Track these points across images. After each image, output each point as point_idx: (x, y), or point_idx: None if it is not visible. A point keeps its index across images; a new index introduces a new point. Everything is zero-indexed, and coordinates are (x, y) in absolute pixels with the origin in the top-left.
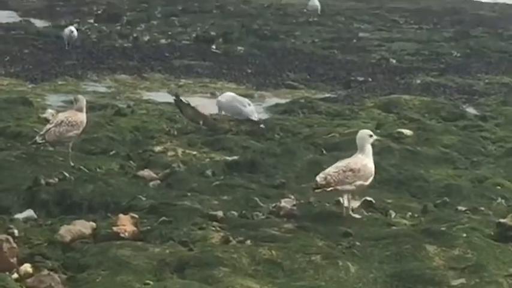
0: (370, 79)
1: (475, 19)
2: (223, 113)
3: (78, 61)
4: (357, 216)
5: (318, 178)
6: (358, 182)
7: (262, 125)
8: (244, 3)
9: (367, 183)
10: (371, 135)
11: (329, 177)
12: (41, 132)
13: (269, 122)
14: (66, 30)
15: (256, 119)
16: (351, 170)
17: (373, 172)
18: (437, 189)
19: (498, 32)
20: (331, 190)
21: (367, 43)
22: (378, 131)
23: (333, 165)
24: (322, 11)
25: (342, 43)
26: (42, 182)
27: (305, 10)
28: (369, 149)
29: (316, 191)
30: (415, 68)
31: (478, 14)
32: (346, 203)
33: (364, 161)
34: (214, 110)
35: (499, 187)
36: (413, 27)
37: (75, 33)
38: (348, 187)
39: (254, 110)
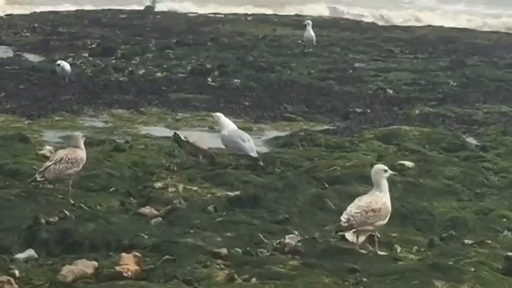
0: (368, 110)
1: (470, 48)
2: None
3: (74, 96)
4: (363, 251)
5: (342, 219)
6: (379, 222)
7: (261, 162)
8: (238, 35)
9: (386, 221)
10: (386, 170)
11: (352, 218)
12: (40, 170)
13: (269, 155)
14: (57, 65)
15: (255, 156)
16: (373, 210)
17: (390, 209)
18: (442, 222)
19: (494, 60)
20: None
21: (364, 73)
22: (379, 163)
23: (353, 204)
24: (317, 41)
25: (338, 74)
26: (43, 221)
27: (300, 41)
28: (385, 184)
29: (340, 233)
30: (413, 98)
31: (473, 43)
32: (354, 239)
33: (383, 199)
34: (212, 144)
35: (504, 219)
36: (409, 57)
37: (67, 66)
38: (369, 227)
39: (253, 146)
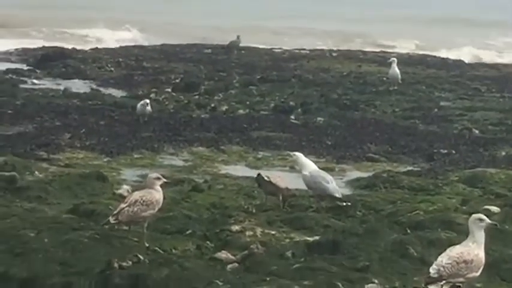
0: (453, 151)
1: None
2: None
3: (154, 133)
4: None
5: (431, 270)
6: (471, 274)
7: (348, 202)
8: (323, 71)
9: (479, 273)
10: (482, 220)
11: (442, 269)
12: (114, 212)
13: (351, 198)
14: (139, 105)
15: (339, 196)
16: (464, 261)
17: (484, 261)
18: None
19: None
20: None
21: (449, 112)
22: (464, 207)
23: (444, 254)
24: (402, 79)
25: (423, 112)
26: (116, 265)
27: (385, 78)
28: (480, 235)
29: (430, 286)
30: (499, 139)
31: None
32: None
33: (476, 250)
34: (293, 184)
35: None
36: (496, 96)
37: (149, 107)
38: (460, 279)
39: (337, 187)
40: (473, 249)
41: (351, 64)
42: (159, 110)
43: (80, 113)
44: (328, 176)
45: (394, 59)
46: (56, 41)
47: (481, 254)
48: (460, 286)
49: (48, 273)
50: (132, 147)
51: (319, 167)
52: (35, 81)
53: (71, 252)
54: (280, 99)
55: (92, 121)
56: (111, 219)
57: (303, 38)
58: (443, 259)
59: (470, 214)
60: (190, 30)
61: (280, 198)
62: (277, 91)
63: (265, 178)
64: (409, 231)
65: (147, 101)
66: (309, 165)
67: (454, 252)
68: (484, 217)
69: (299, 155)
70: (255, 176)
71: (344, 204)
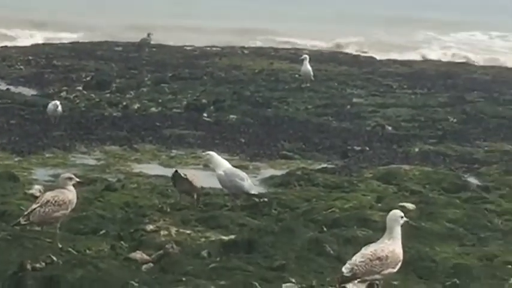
0: (367, 148)
1: (469, 83)
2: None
3: (66, 132)
4: None
5: (344, 270)
6: (387, 271)
7: (265, 199)
8: (235, 68)
9: (396, 269)
10: (402, 217)
11: (356, 268)
12: (25, 213)
13: (266, 196)
14: (50, 106)
15: (256, 193)
16: (378, 258)
17: (402, 257)
18: (445, 270)
19: (494, 96)
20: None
21: (362, 109)
22: (379, 204)
23: (358, 253)
24: (315, 76)
25: (336, 109)
26: (29, 266)
27: (297, 75)
28: (397, 231)
29: (343, 285)
30: (412, 136)
31: (472, 78)
32: None
33: (391, 246)
34: (206, 183)
35: (509, 266)
36: (407, 92)
37: (60, 108)
38: (376, 276)
39: (252, 184)
40: (388, 246)
41: (263, 61)
42: (70, 108)
43: None
44: (242, 174)
45: (306, 56)
46: None
47: (398, 250)
48: (377, 284)
49: None
50: (44, 147)
51: (233, 165)
52: None
53: None
54: (193, 97)
55: (1, 120)
56: (22, 220)
57: (214, 36)
58: (357, 258)
59: (386, 211)
60: (101, 28)
61: (195, 196)
62: (189, 89)
63: (182, 175)
64: (325, 229)
65: (58, 102)
66: (223, 163)
67: (368, 250)
68: (403, 214)
69: (212, 154)
70: (172, 173)
71: (261, 200)
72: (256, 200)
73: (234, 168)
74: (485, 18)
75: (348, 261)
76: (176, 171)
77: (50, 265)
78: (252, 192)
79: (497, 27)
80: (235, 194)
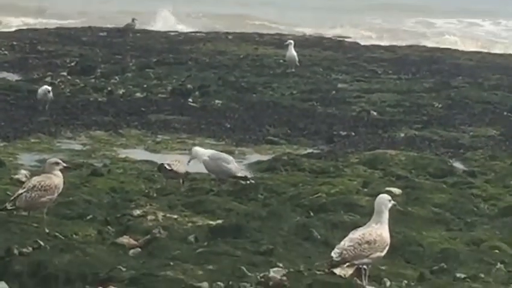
0: (352, 133)
1: (454, 68)
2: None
3: (51, 117)
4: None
5: (333, 254)
6: (375, 255)
7: (252, 180)
8: (219, 54)
9: (383, 253)
10: (390, 200)
11: (345, 252)
12: (11, 198)
13: (253, 178)
14: (41, 91)
15: (243, 175)
16: (367, 242)
17: (389, 241)
18: (432, 254)
19: (479, 81)
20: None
21: (347, 94)
22: (365, 189)
23: (347, 238)
24: (299, 61)
25: (321, 95)
26: (16, 251)
27: (282, 61)
28: (385, 216)
29: (332, 269)
30: (398, 121)
31: (456, 63)
32: (341, 272)
33: (379, 230)
34: (192, 168)
35: (496, 250)
36: (392, 77)
37: (51, 94)
38: (365, 260)
39: (238, 166)
40: (375, 230)
41: (248, 47)
42: (56, 93)
43: None
44: (228, 157)
45: (291, 41)
46: None
47: (385, 234)
48: (364, 268)
49: None
50: (29, 132)
51: (219, 150)
52: None
53: None
54: (178, 82)
55: None
56: (8, 205)
57: (198, 21)
58: (346, 242)
59: (372, 196)
60: (86, 14)
61: (181, 181)
62: (174, 74)
63: (167, 167)
64: (312, 214)
65: (49, 87)
66: (205, 151)
67: (356, 234)
68: (390, 198)
69: (195, 148)
70: (158, 166)
71: (248, 182)
72: (243, 182)
73: (219, 153)
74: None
75: (337, 246)
76: (161, 164)
77: (37, 250)
78: (239, 174)
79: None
80: (222, 179)
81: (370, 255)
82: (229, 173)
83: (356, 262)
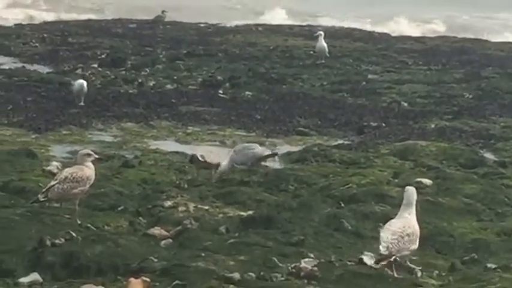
0: (383, 124)
1: (484, 59)
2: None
3: (82, 109)
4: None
5: (381, 248)
6: (413, 246)
7: (277, 154)
8: (249, 45)
9: (417, 245)
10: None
11: (391, 246)
12: (44, 190)
13: (282, 172)
14: (77, 85)
15: (270, 152)
16: (407, 234)
17: (419, 232)
18: (463, 245)
19: (509, 72)
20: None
21: (377, 85)
22: (396, 180)
23: (387, 230)
24: (329, 52)
25: (351, 86)
26: (48, 242)
27: (312, 52)
28: (414, 206)
29: (381, 263)
30: (428, 112)
31: (487, 54)
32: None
33: (412, 221)
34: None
35: None
36: (423, 68)
37: (86, 87)
38: (406, 253)
39: (262, 148)
40: (410, 221)
41: (277, 38)
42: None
43: (6, 90)
44: (250, 144)
45: (321, 32)
46: None
47: (416, 225)
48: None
49: None
50: (61, 123)
51: (250, 141)
52: None
53: (1, 229)
54: (208, 74)
55: (18, 98)
56: (41, 197)
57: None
58: (389, 235)
59: (403, 187)
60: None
61: (213, 172)
62: (205, 65)
63: (200, 159)
64: (342, 204)
65: (85, 82)
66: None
67: (395, 226)
68: None
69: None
70: (190, 156)
71: (276, 157)
72: (272, 158)
73: (240, 144)
74: None
75: (382, 240)
76: (194, 155)
77: (69, 241)
78: (266, 153)
79: None
80: (250, 166)
81: (409, 248)
82: (258, 156)
83: (399, 255)
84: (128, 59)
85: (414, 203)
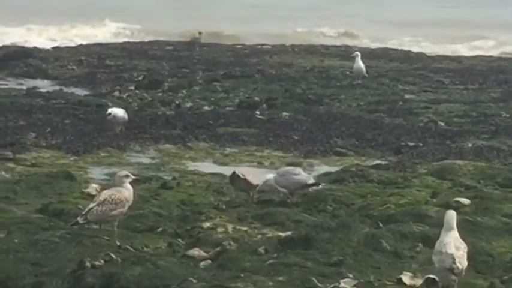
0: (420, 144)
1: None
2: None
3: (120, 131)
4: None
5: (458, 265)
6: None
7: (321, 185)
8: (286, 66)
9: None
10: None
11: (458, 262)
12: (83, 212)
13: (320, 192)
14: (120, 113)
15: (313, 182)
16: (465, 248)
17: None
18: (502, 264)
19: None
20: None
21: (414, 105)
22: (434, 200)
23: (448, 246)
24: (367, 72)
25: (388, 106)
26: (88, 264)
27: (348, 72)
28: None
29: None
30: (465, 131)
31: None
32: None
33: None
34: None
35: None
36: (459, 88)
37: (120, 113)
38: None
39: (306, 175)
40: (459, 238)
41: (313, 58)
42: (124, 107)
43: (44, 112)
44: (295, 169)
45: (358, 53)
46: None
47: None
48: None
49: (19, 274)
50: (98, 146)
51: (287, 163)
52: None
53: (41, 252)
54: (245, 95)
55: (56, 120)
56: (80, 219)
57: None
58: (454, 251)
59: (442, 207)
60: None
61: (251, 194)
62: (241, 87)
63: (241, 176)
64: (381, 224)
65: (123, 110)
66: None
67: (458, 243)
68: None
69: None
70: (230, 174)
71: (320, 187)
72: (315, 187)
73: (285, 167)
74: None
75: (455, 257)
76: (234, 172)
77: (108, 263)
78: (310, 182)
79: None
80: (292, 191)
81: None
82: (300, 183)
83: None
84: (164, 80)
85: (455, 226)
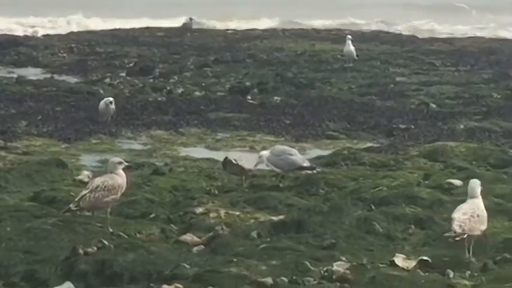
0: (412, 126)
1: None
2: (268, 167)
3: (111, 117)
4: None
5: (455, 226)
6: (482, 227)
7: (318, 169)
8: (276, 50)
9: (486, 226)
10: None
11: (463, 224)
12: (76, 199)
13: (312, 176)
14: (102, 104)
15: (308, 165)
16: (478, 215)
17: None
18: (495, 244)
19: None
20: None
21: (405, 87)
22: (426, 182)
23: (458, 211)
24: (357, 55)
25: (379, 89)
26: (80, 251)
27: (339, 56)
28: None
29: (456, 239)
30: (457, 113)
31: None
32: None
33: (480, 205)
34: (253, 165)
35: None
36: (451, 70)
37: (113, 106)
38: (476, 233)
39: (302, 157)
40: (478, 204)
41: (304, 43)
42: (115, 94)
43: (35, 100)
44: (291, 149)
45: (349, 36)
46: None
47: (484, 209)
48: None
49: (12, 262)
50: (90, 133)
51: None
52: None
53: (34, 240)
54: (236, 80)
55: (47, 108)
56: (73, 206)
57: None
58: (460, 215)
59: (433, 188)
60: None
61: (243, 178)
62: (232, 72)
63: (233, 161)
64: (373, 207)
65: (111, 99)
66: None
67: (466, 208)
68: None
69: (262, 153)
70: (223, 159)
71: (314, 171)
72: (309, 172)
73: (281, 146)
74: None
75: (455, 219)
76: (226, 157)
77: (101, 249)
78: (305, 165)
79: None
80: (286, 171)
81: (480, 228)
82: (295, 164)
83: (470, 234)
84: (155, 67)
85: (477, 194)
